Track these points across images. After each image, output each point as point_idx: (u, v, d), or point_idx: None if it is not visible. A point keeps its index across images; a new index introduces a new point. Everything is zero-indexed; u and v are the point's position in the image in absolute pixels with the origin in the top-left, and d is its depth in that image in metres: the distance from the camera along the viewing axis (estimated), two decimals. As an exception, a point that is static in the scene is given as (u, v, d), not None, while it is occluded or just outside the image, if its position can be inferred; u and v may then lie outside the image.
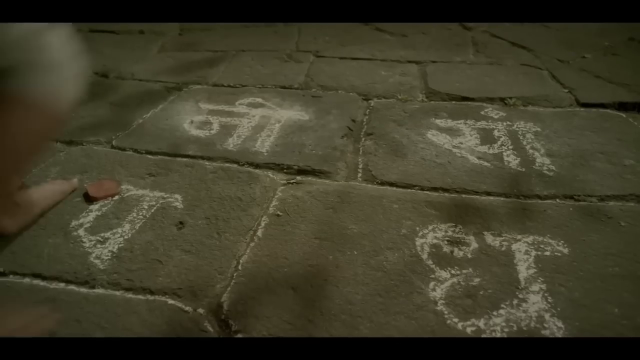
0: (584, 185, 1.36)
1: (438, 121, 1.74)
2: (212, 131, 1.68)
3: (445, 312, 0.96)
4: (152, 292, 1.03)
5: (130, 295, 1.03)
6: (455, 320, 0.95)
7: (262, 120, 1.76)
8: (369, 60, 2.37)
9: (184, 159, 1.52)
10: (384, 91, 2.01)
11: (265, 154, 1.55)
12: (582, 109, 1.83)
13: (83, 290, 1.05)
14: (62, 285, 1.06)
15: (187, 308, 0.99)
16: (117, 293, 1.04)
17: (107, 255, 1.14)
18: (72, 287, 1.06)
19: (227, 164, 1.50)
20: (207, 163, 1.50)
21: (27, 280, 1.08)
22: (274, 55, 2.45)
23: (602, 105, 1.84)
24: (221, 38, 2.70)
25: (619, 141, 1.59)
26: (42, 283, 1.07)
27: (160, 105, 1.90)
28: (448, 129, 1.68)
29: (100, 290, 1.04)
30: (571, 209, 1.27)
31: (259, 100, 1.93)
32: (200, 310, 0.98)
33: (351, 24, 2.90)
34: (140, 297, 1.02)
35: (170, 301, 1.01)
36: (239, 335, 0.92)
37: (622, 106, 1.83)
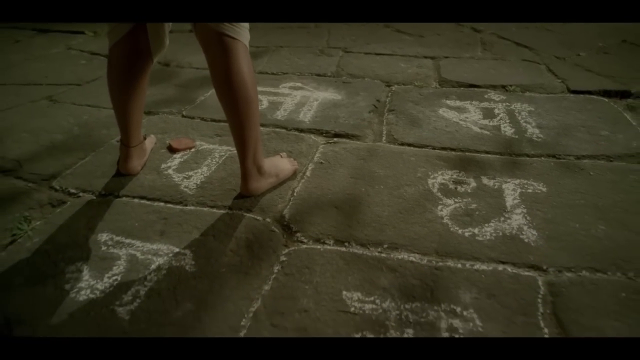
0: (565, 148, 1.67)
1: (448, 102, 2.07)
2: (262, 106, 2.03)
3: (449, 224, 1.29)
4: (231, 209, 1.38)
5: (214, 210, 1.37)
6: (457, 228, 1.27)
7: (303, 99, 2.11)
8: (390, 56, 2.71)
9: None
10: (403, 79, 2.35)
11: (308, 122, 1.89)
12: (571, 95, 2.14)
13: (178, 207, 1.40)
14: (162, 204, 1.41)
15: (258, 218, 1.33)
16: (205, 209, 1.38)
17: (193, 186, 1.49)
18: (170, 205, 1.41)
19: (277, 129, 1.85)
20: (261, 128, 1.84)
21: (136, 200, 1.43)
22: (308, 51, 2.80)
23: (589, 92, 2.15)
24: (261, 36, 3.06)
25: (599, 118, 1.89)
26: (147, 202, 1.42)
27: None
28: (456, 108, 2.01)
29: (191, 207, 1.39)
30: (552, 163, 1.58)
31: (299, 84, 2.28)
32: (268, 219, 1.32)
33: (375, 26, 3.25)
34: (223, 211, 1.37)
35: (246, 214, 1.35)
36: (299, 236, 1.26)
37: (606, 93, 2.13)
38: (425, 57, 2.66)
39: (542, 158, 1.62)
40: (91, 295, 1.08)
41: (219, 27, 1.18)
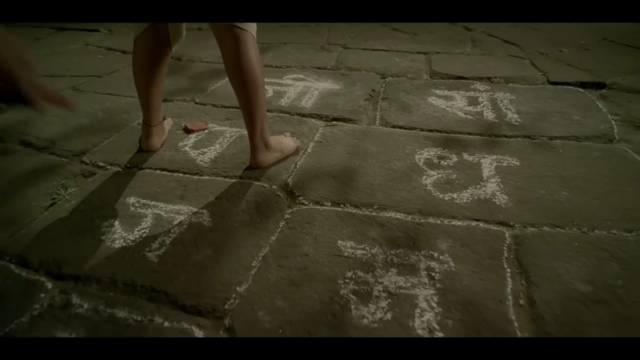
0: (540, 131, 1.85)
1: (437, 91, 2.25)
2: (268, 95, 2.22)
3: (432, 190, 1.47)
4: (241, 178, 1.56)
5: (227, 179, 1.56)
6: (438, 193, 1.45)
7: (304, 89, 2.30)
8: (386, 51, 2.89)
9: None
10: (397, 72, 2.53)
11: (309, 108, 2.08)
12: (550, 86, 2.32)
13: (195, 177, 1.58)
14: (180, 174, 1.60)
15: (265, 185, 1.52)
16: (219, 178, 1.57)
17: (207, 160, 1.67)
18: (187, 175, 1.59)
19: (282, 114, 2.03)
20: (267, 113, 2.03)
21: (157, 171, 1.62)
22: (310, 47, 2.99)
23: (567, 84, 2.33)
24: (265, 34, 3.25)
25: (573, 105, 2.07)
26: (167, 173, 1.61)
27: (225, 79, 2.45)
28: (444, 96, 2.20)
29: (207, 177, 1.58)
30: (527, 143, 1.76)
31: (301, 76, 2.47)
32: (274, 186, 1.51)
33: (372, 25, 3.44)
34: (234, 180, 1.55)
35: (255, 182, 1.53)
36: (300, 199, 1.44)
37: (582, 84, 2.31)
38: (419, 53, 2.85)
39: (519, 138, 1.80)
40: (124, 244, 1.27)
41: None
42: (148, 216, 1.38)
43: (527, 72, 2.47)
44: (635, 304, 1.03)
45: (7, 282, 1.16)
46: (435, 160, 1.63)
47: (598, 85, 2.29)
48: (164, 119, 1.79)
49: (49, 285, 1.15)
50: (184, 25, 1.56)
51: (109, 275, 1.16)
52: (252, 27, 1.41)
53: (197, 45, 2.99)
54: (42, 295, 1.12)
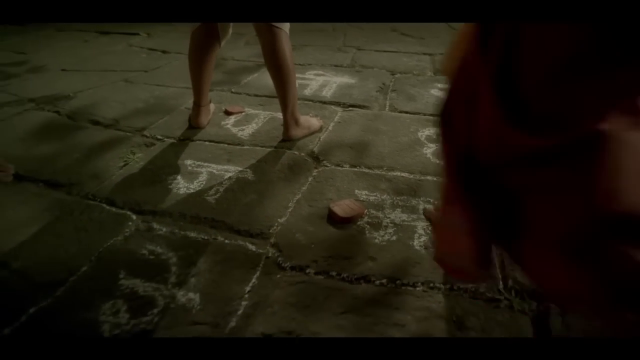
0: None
1: (439, 85, 2.58)
2: (293, 86, 2.56)
3: (431, 157, 1.79)
4: (275, 148, 1.89)
5: (264, 148, 1.89)
6: (436, 160, 1.77)
7: (324, 82, 2.64)
8: (395, 52, 3.23)
9: (279, 98, 2.40)
10: (405, 69, 2.86)
11: (329, 97, 2.41)
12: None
13: (238, 147, 1.92)
14: (225, 145, 1.93)
15: (296, 152, 1.85)
16: (257, 148, 1.90)
17: (247, 135, 2.01)
18: (231, 145, 1.93)
19: (306, 102, 2.37)
20: (293, 100, 2.37)
21: (206, 142, 1.96)
22: (328, 48, 3.34)
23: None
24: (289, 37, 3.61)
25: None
26: (214, 144, 1.95)
27: (255, 74, 2.81)
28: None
29: (247, 147, 1.91)
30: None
31: (321, 72, 2.81)
32: (303, 154, 1.84)
33: (383, 30, 3.79)
34: (270, 149, 1.88)
35: (287, 151, 1.86)
36: (324, 163, 1.77)
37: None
38: (424, 54, 3.18)
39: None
40: (187, 191, 1.60)
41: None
42: (203, 173, 1.71)
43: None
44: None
45: (102, 215, 1.50)
46: (435, 137, 1.95)
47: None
48: (209, 102, 2.13)
49: (134, 217, 1.48)
50: (231, 25, 1.90)
51: (178, 211, 1.49)
52: (286, 27, 1.74)
53: (228, 46, 3.34)
54: (130, 223, 1.45)
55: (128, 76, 2.83)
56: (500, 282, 1.16)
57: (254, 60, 3.05)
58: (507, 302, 1.11)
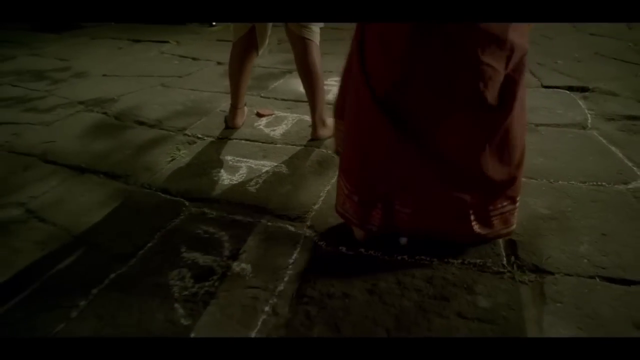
0: (529, 119, 2.36)
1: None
2: (316, 91, 2.78)
3: (444, 155, 2.00)
4: (305, 146, 2.11)
5: (295, 147, 2.10)
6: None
7: (345, 88, 2.85)
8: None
9: (305, 103, 2.62)
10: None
11: (349, 101, 2.63)
12: (543, 89, 2.83)
13: (271, 145, 2.14)
14: (260, 143, 2.15)
15: (324, 150, 2.06)
16: (289, 146, 2.12)
17: (278, 135, 2.23)
18: (265, 144, 2.15)
19: (329, 105, 2.58)
20: (318, 104, 2.59)
21: (243, 141, 2.19)
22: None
23: (557, 87, 2.83)
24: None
25: (559, 103, 2.58)
26: (250, 142, 2.17)
27: (281, 80, 3.03)
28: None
29: (280, 145, 2.13)
30: (518, 127, 2.27)
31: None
32: (330, 152, 2.05)
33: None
34: (300, 147, 2.10)
35: (316, 149, 2.08)
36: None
37: (570, 88, 2.81)
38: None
39: (512, 125, 2.31)
40: (230, 182, 1.83)
41: (301, 33, 1.92)
42: (243, 167, 1.94)
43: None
44: (577, 220, 1.54)
45: (159, 201, 1.73)
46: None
47: (582, 89, 2.79)
48: (245, 105, 2.36)
49: (187, 203, 1.71)
50: (268, 35, 2.13)
51: (225, 199, 1.72)
52: (316, 38, 1.97)
53: (253, 54, 3.59)
54: (184, 208, 1.68)
55: (164, 81, 3.08)
56: (504, 258, 1.37)
57: (279, 67, 3.28)
58: (509, 274, 1.32)
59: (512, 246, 1.41)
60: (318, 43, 1.98)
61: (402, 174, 1.26)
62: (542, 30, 4.23)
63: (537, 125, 2.29)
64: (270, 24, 2.07)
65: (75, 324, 1.19)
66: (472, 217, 1.30)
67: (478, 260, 1.36)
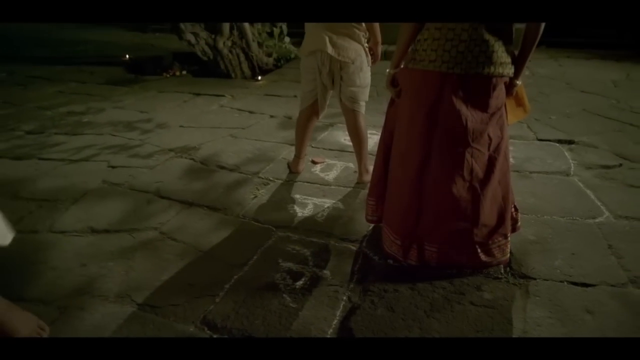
0: (524, 168, 2.98)
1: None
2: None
3: (458, 196, 2.65)
4: (354, 187, 2.76)
5: (346, 188, 2.76)
6: (462, 197, 2.62)
7: (377, 140, 3.54)
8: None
9: (348, 152, 3.30)
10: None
11: (383, 151, 3.30)
12: (538, 142, 3.47)
13: (327, 187, 2.81)
14: (319, 185, 2.81)
15: (366, 191, 2.72)
16: (341, 187, 2.78)
17: (331, 178, 2.89)
18: (324, 186, 2.81)
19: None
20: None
21: (306, 183, 2.85)
22: (376, 111, 4.27)
23: (549, 140, 3.47)
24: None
25: (549, 154, 3.21)
26: (311, 184, 2.84)
27: (326, 132, 3.72)
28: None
29: (334, 187, 2.79)
30: (515, 174, 2.89)
31: (374, 131, 3.72)
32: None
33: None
34: (350, 189, 2.76)
35: (362, 190, 2.74)
36: (387, 198, 2.64)
37: (559, 141, 3.45)
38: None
39: (511, 172, 2.94)
40: (303, 215, 2.47)
41: (353, 107, 2.61)
42: (309, 203, 2.60)
43: (524, 132, 3.64)
44: (555, 244, 2.15)
45: (254, 228, 2.38)
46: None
47: (569, 142, 3.42)
48: (305, 155, 3.05)
49: (274, 229, 2.36)
50: (326, 106, 2.82)
51: (302, 226, 2.36)
52: (363, 110, 2.66)
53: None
54: (273, 233, 2.33)
55: (232, 132, 3.80)
56: (502, 268, 1.98)
57: (322, 121, 3.98)
58: (505, 279, 1.93)
59: (508, 261, 2.03)
60: (364, 113, 2.67)
61: (427, 224, 1.89)
62: (541, 88, 4.92)
63: (531, 172, 2.93)
64: (328, 98, 2.77)
65: (220, 306, 1.82)
66: (479, 250, 1.91)
67: (484, 270, 1.97)
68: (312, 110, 2.76)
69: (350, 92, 2.55)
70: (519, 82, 1.79)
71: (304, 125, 2.82)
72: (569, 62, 6.21)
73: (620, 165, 2.99)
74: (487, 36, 1.61)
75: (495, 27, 1.62)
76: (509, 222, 1.93)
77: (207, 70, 5.87)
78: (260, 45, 6.15)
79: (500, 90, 1.74)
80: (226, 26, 5.65)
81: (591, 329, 1.64)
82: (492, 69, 1.65)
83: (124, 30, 10.08)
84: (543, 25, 1.62)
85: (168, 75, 6.04)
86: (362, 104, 2.63)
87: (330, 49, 2.43)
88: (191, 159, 3.26)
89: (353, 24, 2.42)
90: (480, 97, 1.70)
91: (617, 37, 6.94)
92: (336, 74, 2.53)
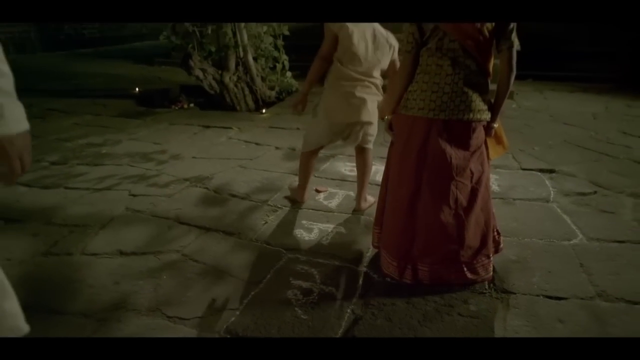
0: (509, 195, 3.29)
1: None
2: (352, 172, 3.77)
3: (449, 221, 2.94)
4: (353, 213, 3.06)
5: (346, 214, 3.05)
6: (452, 222, 2.92)
7: (376, 170, 3.85)
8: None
9: (348, 182, 3.60)
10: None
11: (378, 180, 3.62)
12: (521, 171, 3.79)
13: (330, 213, 3.09)
14: (322, 212, 3.11)
15: (366, 217, 3.01)
16: (342, 214, 3.06)
17: (334, 206, 3.18)
18: (327, 212, 3.10)
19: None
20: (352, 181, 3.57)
21: (311, 210, 3.14)
22: (378, 144, 4.60)
23: (531, 169, 3.79)
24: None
25: (532, 182, 3.52)
26: (315, 211, 3.13)
27: (327, 163, 4.02)
28: (457, 176, 3.70)
29: (336, 213, 3.08)
30: (500, 201, 3.20)
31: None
32: (371, 218, 3.00)
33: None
34: (349, 215, 3.05)
35: (361, 216, 3.03)
36: (384, 223, 2.93)
37: (541, 170, 3.77)
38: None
39: (496, 199, 3.25)
40: (310, 238, 2.76)
41: (364, 144, 2.94)
42: (315, 228, 2.88)
43: (509, 162, 3.95)
44: (533, 263, 2.43)
45: (266, 250, 2.66)
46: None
47: (550, 171, 3.74)
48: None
49: (284, 251, 2.63)
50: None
51: (309, 249, 2.63)
52: (371, 146, 2.97)
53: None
54: (283, 255, 2.60)
55: (240, 163, 4.10)
56: (487, 284, 2.26)
57: (324, 153, 4.30)
58: (489, 293, 2.20)
59: (491, 278, 2.30)
60: (372, 149, 2.98)
61: (419, 247, 2.17)
62: (527, 120, 5.28)
63: (514, 199, 3.23)
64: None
65: (240, 317, 2.08)
66: (465, 269, 2.19)
67: (471, 286, 2.25)
68: (315, 152, 3.07)
69: (367, 135, 2.86)
70: (495, 125, 2.11)
71: (307, 164, 3.10)
72: (554, 95, 6.61)
73: (595, 192, 3.29)
74: (466, 89, 1.94)
75: (472, 81, 1.95)
76: (491, 244, 2.21)
77: (213, 102, 6.22)
78: (263, 79, 6.53)
79: (480, 132, 2.05)
80: (232, 62, 6.04)
81: (562, 335, 1.91)
82: (472, 115, 1.98)
83: (130, 63, 10.53)
84: (512, 80, 1.96)
85: (177, 108, 6.38)
86: (371, 139, 2.94)
87: (365, 116, 2.70)
88: (205, 187, 3.55)
89: (374, 74, 2.67)
90: (462, 138, 2.02)
91: (598, 70, 7.38)
92: (357, 128, 2.80)
